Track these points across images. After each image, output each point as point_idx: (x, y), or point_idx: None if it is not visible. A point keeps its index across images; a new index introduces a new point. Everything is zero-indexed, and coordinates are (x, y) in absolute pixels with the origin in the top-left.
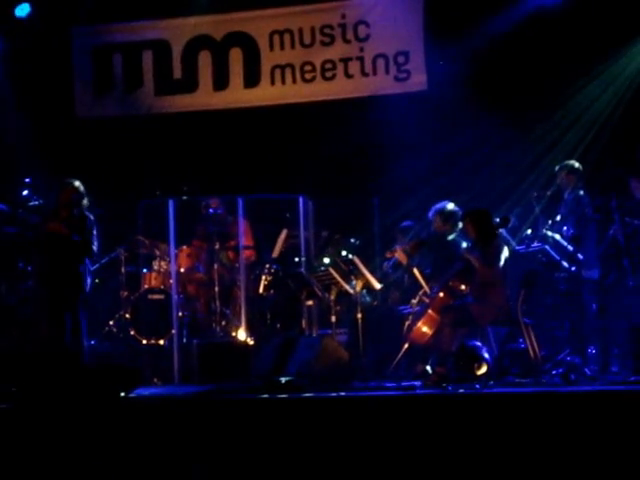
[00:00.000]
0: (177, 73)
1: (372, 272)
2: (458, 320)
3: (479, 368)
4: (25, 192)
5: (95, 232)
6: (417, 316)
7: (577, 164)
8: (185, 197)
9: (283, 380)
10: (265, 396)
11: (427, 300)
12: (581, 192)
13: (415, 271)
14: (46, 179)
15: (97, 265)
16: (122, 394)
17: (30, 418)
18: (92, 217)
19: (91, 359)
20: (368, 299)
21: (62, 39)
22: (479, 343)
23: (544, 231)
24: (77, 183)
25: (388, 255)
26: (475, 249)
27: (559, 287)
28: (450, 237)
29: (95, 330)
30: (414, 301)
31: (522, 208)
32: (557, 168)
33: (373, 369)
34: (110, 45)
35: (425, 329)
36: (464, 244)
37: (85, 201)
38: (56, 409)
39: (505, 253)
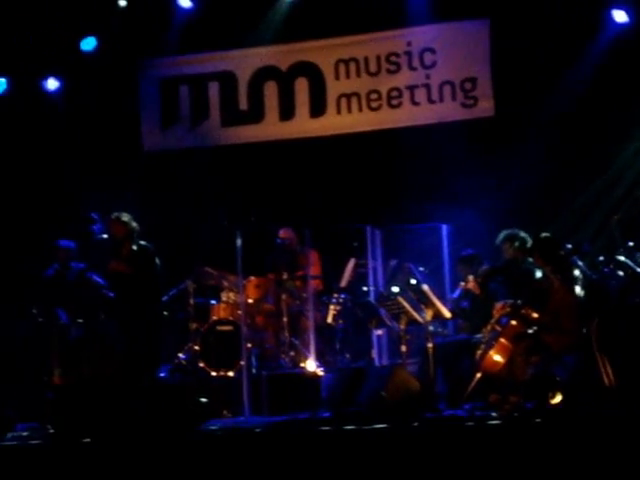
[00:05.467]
0: (243, 104)
1: (442, 300)
2: (531, 348)
3: (553, 397)
4: (93, 227)
5: (156, 263)
6: (489, 345)
7: None
8: (253, 228)
9: (353, 411)
10: (335, 427)
11: (499, 328)
12: None
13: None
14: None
15: (166, 297)
16: (193, 427)
17: (102, 452)
18: (148, 246)
19: (161, 392)
20: (439, 328)
21: (129, 72)
22: (553, 371)
23: (617, 256)
24: (123, 216)
25: (462, 286)
26: (550, 277)
27: (634, 314)
28: (522, 263)
29: (164, 362)
30: (486, 330)
31: (596, 234)
32: None
33: (445, 399)
34: (177, 77)
35: (497, 358)
36: (538, 271)
37: (136, 231)
38: (127, 443)
39: (578, 280)
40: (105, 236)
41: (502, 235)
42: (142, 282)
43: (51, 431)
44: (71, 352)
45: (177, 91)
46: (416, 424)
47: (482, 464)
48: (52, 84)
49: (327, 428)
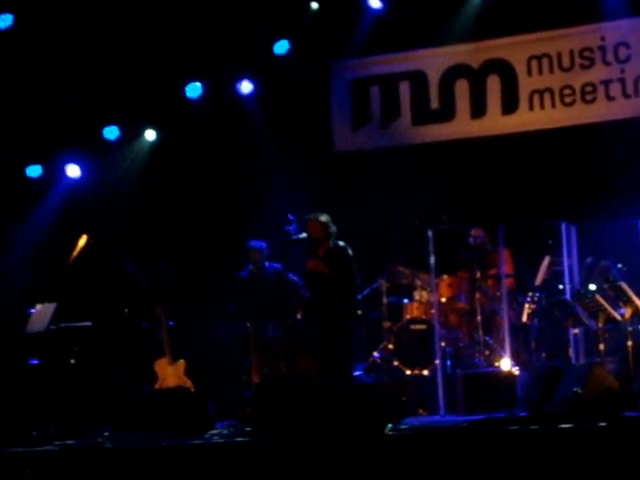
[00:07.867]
0: (434, 103)
1: None
2: None
3: None
4: (290, 228)
5: (353, 263)
6: None
7: None
8: (444, 227)
9: (550, 410)
10: (534, 427)
11: None
12: None
13: None
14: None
15: (359, 296)
16: (389, 426)
17: (295, 450)
18: (345, 246)
19: (356, 390)
20: (639, 326)
21: (320, 74)
22: None
23: None
24: (322, 217)
25: None
26: None
27: None
28: None
29: (359, 361)
30: None
31: None
32: None
33: None
34: (367, 78)
35: None
36: None
37: (333, 232)
38: (321, 441)
39: None
40: (302, 236)
41: None
42: (339, 281)
43: (250, 429)
44: (269, 351)
45: (368, 92)
46: (615, 423)
47: None
48: (246, 87)
49: (523, 427)
